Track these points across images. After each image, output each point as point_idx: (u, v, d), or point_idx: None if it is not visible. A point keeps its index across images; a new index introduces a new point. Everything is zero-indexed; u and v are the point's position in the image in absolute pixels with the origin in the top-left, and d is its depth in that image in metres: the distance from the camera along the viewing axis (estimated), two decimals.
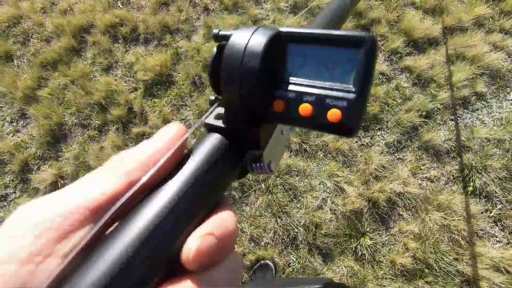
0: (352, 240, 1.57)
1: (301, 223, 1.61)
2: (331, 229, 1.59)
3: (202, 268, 0.20)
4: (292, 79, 0.25)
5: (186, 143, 0.25)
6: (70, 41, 2.22)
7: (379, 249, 1.56)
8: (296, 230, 1.59)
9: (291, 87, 0.25)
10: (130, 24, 2.28)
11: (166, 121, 1.89)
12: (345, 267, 1.53)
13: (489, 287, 1.43)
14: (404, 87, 1.96)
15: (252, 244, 1.60)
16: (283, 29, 0.26)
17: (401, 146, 1.79)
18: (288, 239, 1.59)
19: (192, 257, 0.20)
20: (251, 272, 1.52)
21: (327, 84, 0.24)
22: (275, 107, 0.25)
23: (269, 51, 0.24)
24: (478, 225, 1.56)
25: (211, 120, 0.28)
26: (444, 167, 1.73)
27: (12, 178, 1.84)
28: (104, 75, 2.11)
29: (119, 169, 0.22)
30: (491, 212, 1.60)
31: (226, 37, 0.26)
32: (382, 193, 1.63)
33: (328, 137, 1.80)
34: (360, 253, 1.55)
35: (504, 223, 1.57)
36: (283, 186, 1.69)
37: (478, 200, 1.63)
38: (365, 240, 1.56)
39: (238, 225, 1.59)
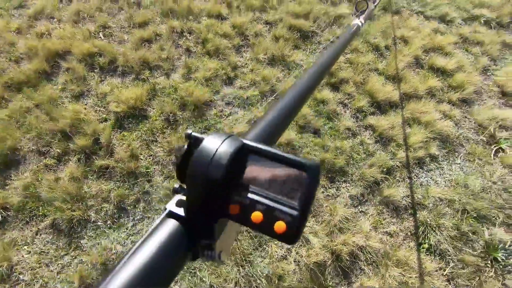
0: None
1: (264, 274, 1.55)
2: (294, 282, 1.55)
3: None
4: (248, 187, 0.29)
5: None
6: (42, 65, 2.15)
7: None
8: (258, 281, 1.53)
9: (246, 194, 0.28)
10: (109, 55, 2.28)
11: (133, 156, 1.83)
12: None
13: None
14: (367, 143, 2.10)
15: None
16: (247, 142, 0.30)
17: (364, 200, 1.87)
18: None
19: None
20: None
21: (277, 197, 0.28)
22: (231, 209, 0.28)
23: (232, 163, 0.28)
24: (433, 283, 1.61)
25: (172, 206, 0.31)
26: (402, 223, 1.81)
27: None
28: (74, 102, 2.04)
29: None
30: (444, 270, 1.67)
31: (198, 139, 0.30)
32: (345, 245, 1.65)
33: None
34: None
35: (456, 282, 1.64)
36: (249, 232, 1.65)
37: (433, 257, 1.70)
38: None
39: (198, 274, 1.50)
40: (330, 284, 1.57)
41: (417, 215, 1.84)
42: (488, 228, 1.80)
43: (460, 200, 1.89)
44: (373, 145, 2.10)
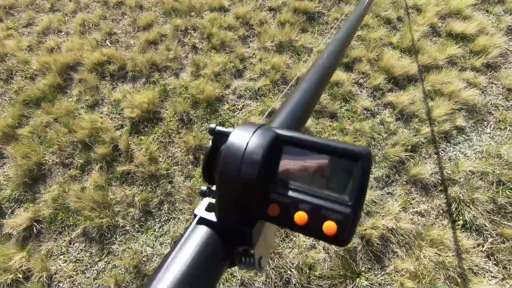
0: (348, 281, 1.51)
1: (294, 265, 1.54)
2: (325, 270, 1.53)
3: None
4: (288, 183, 0.25)
5: None
6: (55, 79, 2.19)
7: None
8: (289, 272, 1.52)
9: (286, 192, 0.25)
10: (118, 62, 2.29)
11: (152, 159, 1.84)
12: None
13: None
14: (388, 122, 2.01)
15: None
16: (280, 131, 0.25)
17: (390, 181, 1.80)
18: (281, 283, 1.51)
19: None
20: None
21: (323, 193, 0.24)
22: (270, 211, 0.25)
23: (267, 157, 0.24)
24: (472, 261, 1.54)
25: (202, 212, 0.27)
26: (433, 201, 1.74)
27: None
28: (90, 112, 2.07)
29: None
30: (483, 246, 1.59)
31: (224, 134, 0.26)
32: (375, 229, 1.61)
33: None
34: None
35: (497, 257, 1.56)
36: (277, 226, 1.64)
37: (469, 234, 1.62)
38: (361, 280, 1.50)
39: (228, 269, 1.50)
40: (362, 269, 1.54)
41: (448, 192, 1.75)
42: None
43: (493, 171, 1.78)
44: (394, 123, 2.02)
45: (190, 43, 2.44)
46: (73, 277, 1.54)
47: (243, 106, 2.10)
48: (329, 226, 0.23)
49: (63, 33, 2.57)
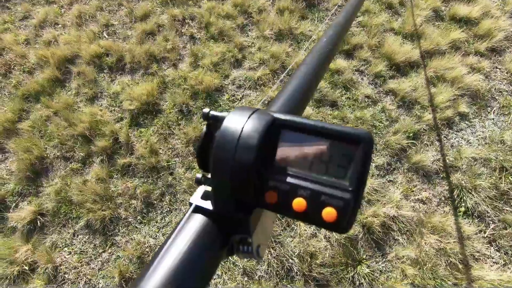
0: (349, 268, 1.52)
1: (296, 253, 1.55)
2: (326, 258, 1.54)
3: None
4: (286, 169, 0.24)
5: None
6: (54, 72, 2.18)
7: (377, 277, 1.51)
8: (290, 261, 1.53)
9: (284, 178, 0.23)
10: (116, 54, 2.27)
11: (153, 151, 1.84)
12: None
13: None
14: (389, 109, 1.99)
15: (246, 278, 1.52)
16: (277, 115, 0.24)
17: (391, 168, 1.80)
18: (282, 271, 1.52)
19: None
20: None
21: (322, 178, 0.23)
22: (267, 198, 0.24)
23: (263, 142, 0.23)
24: (473, 247, 1.54)
25: (197, 200, 0.26)
26: (435, 188, 1.73)
27: None
28: (89, 105, 2.07)
29: None
30: (485, 233, 1.59)
31: (218, 119, 0.25)
32: (376, 217, 1.61)
33: None
34: (357, 282, 1.49)
35: (499, 243, 1.56)
36: (276, 214, 1.64)
37: (471, 220, 1.62)
38: (362, 268, 1.51)
39: (230, 258, 1.52)
40: (363, 257, 1.55)
41: (450, 179, 1.74)
42: None
43: (496, 157, 1.76)
44: (396, 111, 1.99)
45: (188, 33, 2.41)
46: (78, 268, 1.57)
47: (242, 96, 2.08)
48: (329, 213, 0.22)
49: (60, 25, 2.54)
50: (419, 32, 2.32)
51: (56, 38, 2.43)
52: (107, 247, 1.61)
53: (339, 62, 2.16)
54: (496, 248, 1.56)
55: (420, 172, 1.77)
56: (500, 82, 2.11)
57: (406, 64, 2.17)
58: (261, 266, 1.53)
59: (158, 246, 1.56)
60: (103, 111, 2.04)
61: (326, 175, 0.23)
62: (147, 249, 1.59)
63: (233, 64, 2.23)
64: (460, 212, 1.64)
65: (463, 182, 1.70)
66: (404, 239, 1.59)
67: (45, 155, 1.88)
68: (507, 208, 1.62)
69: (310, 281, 1.49)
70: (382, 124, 1.94)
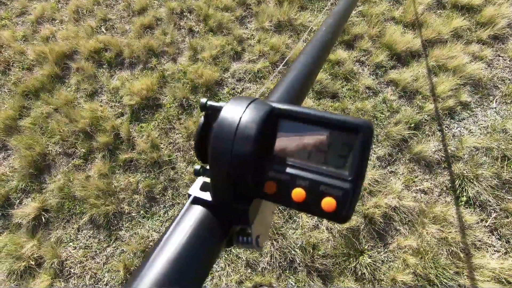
0: (351, 259, 1.53)
1: (298, 245, 1.56)
2: (328, 249, 1.55)
3: None
4: (285, 159, 0.24)
5: None
6: (53, 69, 2.18)
7: (378, 267, 1.52)
8: (293, 252, 1.55)
9: (283, 168, 0.23)
10: (115, 49, 2.26)
11: (154, 146, 1.85)
12: None
13: None
14: (391, 100, 1.98)
15: (249, 270, 1.54)
16: (276, 104, 0.24)
17: (393, 159, 1.79)
18: (285, 263, 1.54)
19: None
20: None
21: (322, 168, 0.22)
22: (266, 188, 0.24)
23: (262, 132, 0.23)
24: (475, 236, 1.55)
25: (196, 191, 0.26)
26: (436, 178, 1.73)
27: None
28: (89, 101, 2.06)
29: None
30: (486, 222, 1.59)
31: (216, 109, 0.24)
32: (378, 208, 1.61)
33: None
34: (360, 272, 1.51)
35: (500, 232, 1.56)
36: (278, 207, 1.65)
37: (472, 210, 1.62)
38: (364, 258, 1.53)
39: (233, 251, 1.54)
40: (365, 247, 1.56)
41: (452, 168, 1.74)
42: None
43: (498, 146, 1.76)
44: (397, 101, 1.98)
45: (187, 26, 2.38)
46: (83, 262, 1.59)
47: (243, 89, 2.07)
48: (328, 202, 0.22)
49: (57, 21, 2.52)
50: (421, 21, 2.29)
51: (54, 33, 2.42)
52: (112, 242, 1.63)
53: (339, 53, 2.14)
54: (498, 236, 1.56)
55: (421, 162, 1.77)
56: (502, 71, 2.08)
57: (407, 53, 2.15)
58: (264, 258, 1.55)
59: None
60: (103, 106, 2.04)
61: (325, 164, 0.23)
62: (151, 243, 1.61)
63: (232, 57, 2.21)
64: (461, 201, 1.64)
65: (465, 172, 1.70)
66: (406, 229, 1.60)
67: (47, 152, 1.89)
68: (509, 197, 1.62)
69: (312, 272, 1.50)
70: (383, 115, 1.93)
